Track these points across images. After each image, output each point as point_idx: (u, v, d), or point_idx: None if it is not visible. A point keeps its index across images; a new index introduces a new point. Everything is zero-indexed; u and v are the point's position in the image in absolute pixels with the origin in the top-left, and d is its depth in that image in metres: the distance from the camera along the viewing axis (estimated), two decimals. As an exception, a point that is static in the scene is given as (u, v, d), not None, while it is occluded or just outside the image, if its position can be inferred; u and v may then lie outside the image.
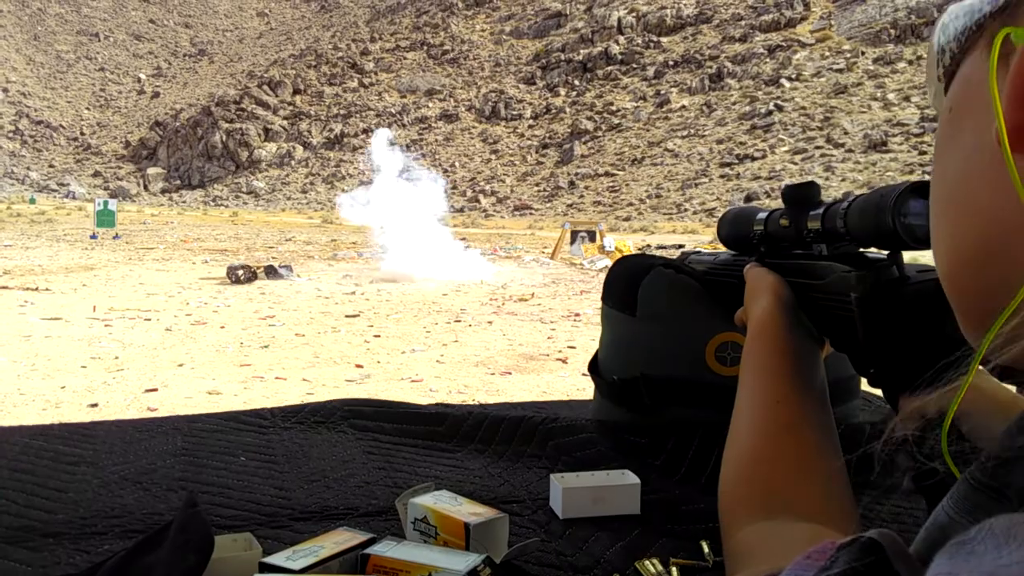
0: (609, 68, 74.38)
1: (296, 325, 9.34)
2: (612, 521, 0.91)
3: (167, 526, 0.70)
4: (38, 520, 0.90)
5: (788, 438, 0.74)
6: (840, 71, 58.67)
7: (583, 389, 6.22)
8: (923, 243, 0.70)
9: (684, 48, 72.13)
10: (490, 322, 9.85)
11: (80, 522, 0.89)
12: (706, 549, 0.82)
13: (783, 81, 60.17)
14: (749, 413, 0.77)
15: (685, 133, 59.19)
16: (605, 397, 1.21)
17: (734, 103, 60.95)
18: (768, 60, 64.42)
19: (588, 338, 8.79)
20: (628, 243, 21.29)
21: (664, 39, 74.41)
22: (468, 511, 0.80)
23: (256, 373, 6.79)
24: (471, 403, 1.42)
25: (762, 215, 0.97)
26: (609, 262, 18.33)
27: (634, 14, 78.91)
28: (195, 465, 1.08)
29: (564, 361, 7.55)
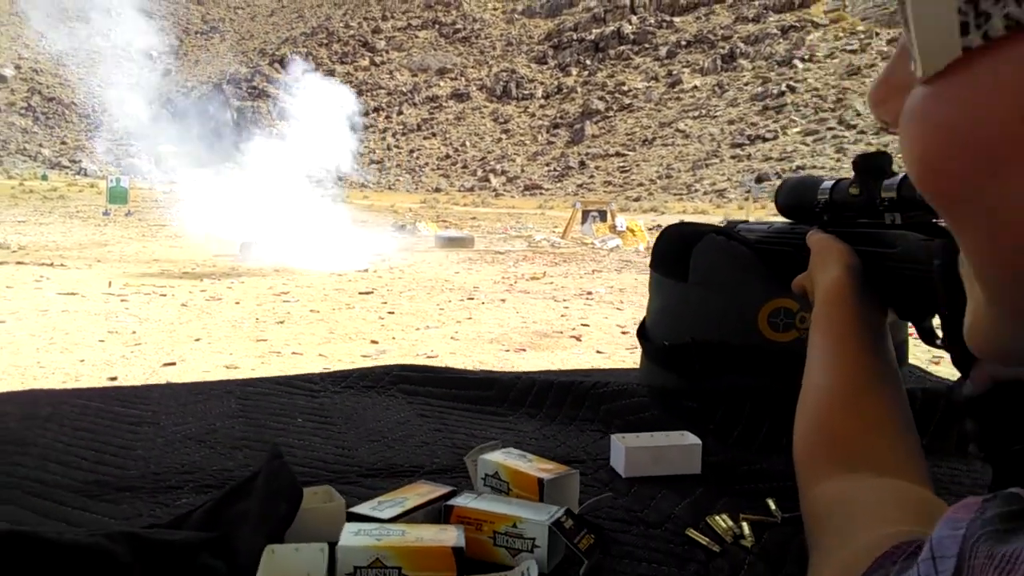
0: (621, 48, 73.96)
1: (310, 302, 9.37)
2: (674, 480, 0.92)
3: (253, 477, 0.72)
4: (111, 476, 0.91)
5: (865, 397, 0.75)
6: (854, 52, 58.21)
7: (598, 366, 6.24)
8: None
9: (697, 28, 71.63)
10: (503, 300, 9.87)
11: (153, 477, 0.91)
12: (773, 506, 0.83)
13: (796, 62, 59.75)
14: (824, 374, 0.78)
15: (696, 114, 58.91)
16: (653, 362, 1.22)
17: (746, 84, 60.59)
18: (781, 41, 63.96)
19: (601, 316, 8.80)
20: (639, 223, 21.23)
21: (677, 19, 73.93)
22: (539, 467, 0.81)
23: (273, 348, 6.84)
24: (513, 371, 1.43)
25: (827, 183, 0.98)
26: (620, 242, 18.30)
27: (648, -8, 78.46)
28: (255, 426, 1.10)
29: (578, 339, 7.56)
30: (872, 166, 0.90)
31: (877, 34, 59.45)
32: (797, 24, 64.99)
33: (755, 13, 69.32)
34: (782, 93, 56.01)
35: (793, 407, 1.10)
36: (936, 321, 0.88)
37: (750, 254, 1.14)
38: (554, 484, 0.79)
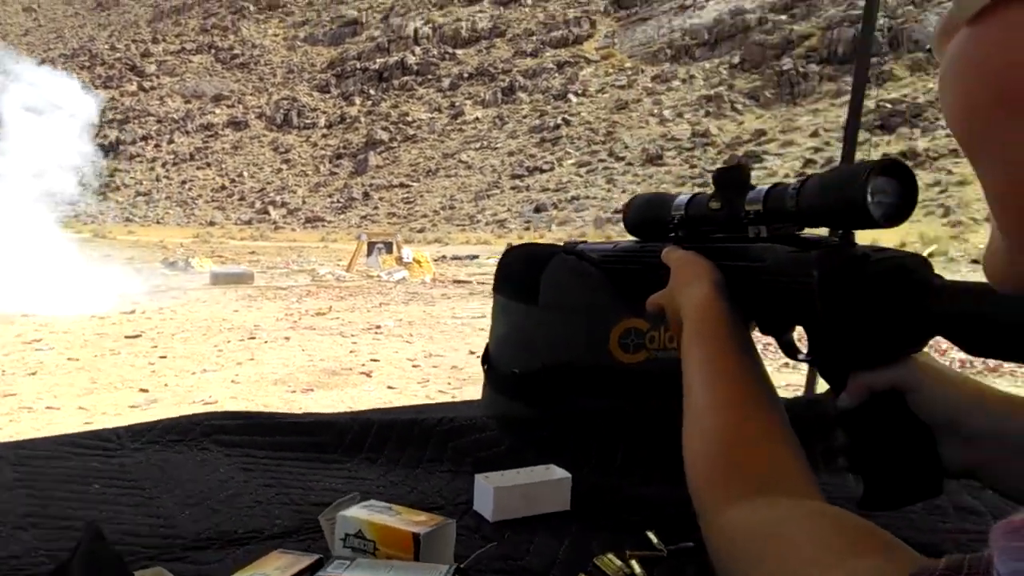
0: (405, 78, 74.46)
1: (68, 349, 8.47)
2: (545, 520, 0.85)
3: (63, 566, 0.56)
4: None
5: (759, 414, 0.72)
6: (622, 87, 62.18)
7: (390, 402, 6.10)
8: (890, 221, 0.70)
9: (479, 61, 73.55)
10: (287, 338, 9.45)
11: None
12: (654, 539, 0.78)
13: (570, 96, 62.88)
14: (710, 394, 0.74)
15: (478, 145, 60.35)
16: (499, 392, 1.15)
17: (525, 116, 62.92)
18: (557, 75, 67.08)
19: (391, 350, 8.65)
20: (426, 254, 21.29)
21: (459, 51, 75.54)
22: (410, 520, 0.71)
23: (23, 403, 6.09)
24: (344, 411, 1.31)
25: (682, 199, 0.96)
26: (407, 274, 18.22)
27: (430, 25, 79.47)
28: (40, 498, 0.91)
29: (368, 375, 7.36)
30: (732, 179, 0.89)
31: (642, 71, 63.90)
32: (571, 60, 68.49)
33: (533, 48, 72.38)
34: (558, 126, 58.69)
35: (645, 429, 1.07)
36: (798, 334, 0.87)
37: (599, 274, 1.10)
38: (431, 539, 0.69)
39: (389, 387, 6.85)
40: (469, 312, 11.65)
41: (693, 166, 45.35)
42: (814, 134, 41.91)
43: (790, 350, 0.85)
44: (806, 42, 53.76)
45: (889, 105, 38.82)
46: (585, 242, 1.19)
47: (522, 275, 1.14)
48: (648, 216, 1.02)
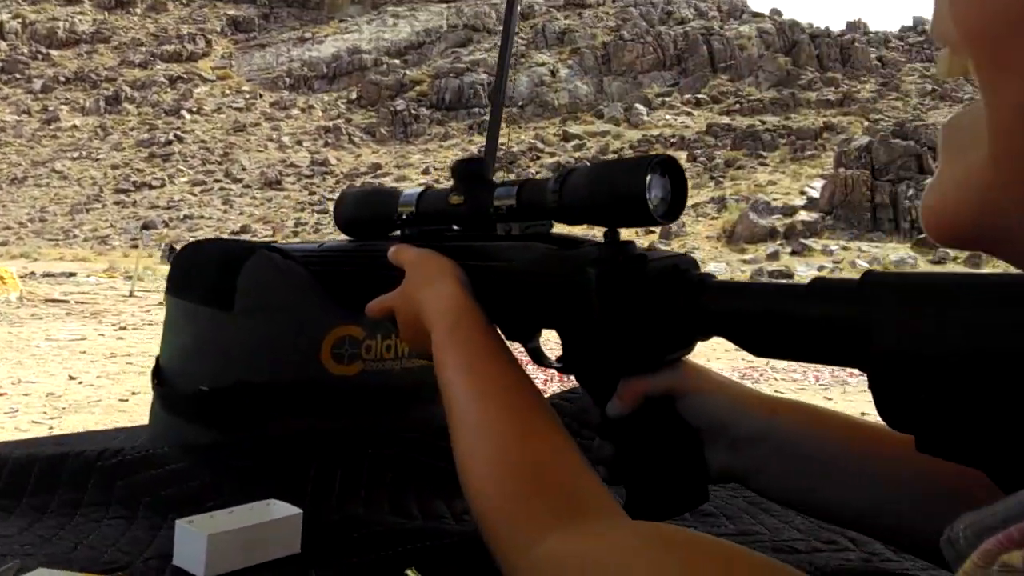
0: (-13, 76, 64.40)
1: None
2: (274, 568, 0.68)
3: None
4: None
5: (542, 427, 0.63)
6: (240, 110, 60.05)
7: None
8: (665, 217, 0.66)
9: (78, 65, 66.14)
10: None
11: None
12: (417, 578, 0.66)
13: (184, 113, 59.26)
14: (481, 410, 0.65)
15: (77, 155, 54.17)
16: (175, 414, 0.94)
17: (132, 128, 57.90)
18: (169, 90, 62.78)
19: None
20: (11, 270, 18.46)
21: (55, 52, 67.28)
22: (109, 590, 0.51)
23: None
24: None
25: (410, 193, 0.86)
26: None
27: (19, 20, 69.78)
28: None
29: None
30: (474, 172, 0.81)
31: (261, 96, 62.40)
32: (185, 76, 64.57)
33: (142, 59, 67.03)
34: (170, 142, 54.84)
35: (361, 448, 0.94)
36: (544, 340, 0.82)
37: (308, 276, 0.96)
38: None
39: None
40: (66, 334, 10.31)
41: (312, 192, 45.32)
42: (425, 171, 44.29)
43: (538, 357, 0.79)
44: (417, 87, 56.77)
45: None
46: (275, 243, 1.03)
47: (213, 275, 0.95)
48: (366, 213, 0.91)
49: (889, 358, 0.48)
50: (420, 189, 0.86)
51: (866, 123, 37.80)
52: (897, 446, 0.59)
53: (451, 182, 0.83)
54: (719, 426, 0.69)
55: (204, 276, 0.96)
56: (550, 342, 0.78)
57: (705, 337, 0.68)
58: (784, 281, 0.71)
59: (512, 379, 0.67)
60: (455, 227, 0.82)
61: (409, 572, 0.67)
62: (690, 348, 0.71)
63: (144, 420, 1.07)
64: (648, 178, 0.63)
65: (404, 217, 0.85)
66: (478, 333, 0.71)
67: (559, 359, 0.76)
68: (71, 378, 7.36)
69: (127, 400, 5.88)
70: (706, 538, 0.49)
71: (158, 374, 0.98)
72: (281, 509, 0.72)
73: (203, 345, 0.95)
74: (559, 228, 0.78)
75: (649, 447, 0.69)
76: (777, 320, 0.58)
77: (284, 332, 0.94)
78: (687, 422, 0.70)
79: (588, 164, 0.69)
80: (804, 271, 20.37)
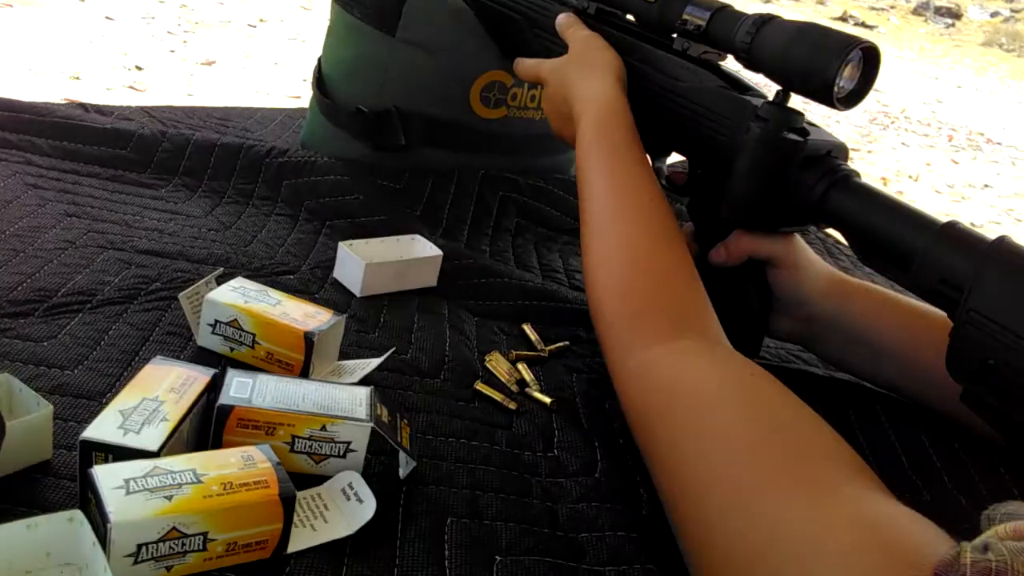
0: None
1: None
2: (413, 297, 0.80)
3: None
4: None
5: (671, 243, 0.69)
6: None
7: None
8: (844, 104, 0.66)
9: None
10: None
11: None
12: (533, 336, 0.77)
13: None
14: (619, 211, 0.70)
15: None
16: (340, 126, 1.03)
17: None
18: None
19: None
20: None
21: None
22: (296, 312, 0.63)
23: None
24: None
25: None
26: None
27: None
28: None
29: None
30: None
31: None
32: None
33: None
34: None
35: (496, 184, 1.02)
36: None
37: (472, 16, 0.98)
38: (324, 340, 0.62)
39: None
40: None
41: None
42: None
43: (658, 175, 0.82)
44: None
45: None
46: None
47: (385, -5, 0.98)
48: None
49: (974, 319, 0.54)
50: None
51: None
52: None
53: None
54: (800, 301, 0.76)
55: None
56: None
57: (823, 225, 0.72)
58: (919, 210, 0.71)
59: (650, 190, 0.72)
60: (631, 18, 0.82)
61: (526, 327, 0.79)
62: (805, 228, 0.76)
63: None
64: (844, 66, 0.63)
65: None
66: (626, 137, 0.75)
67: (682, 186, 0.81)
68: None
69: (255, 27, 5.96)
70: (790, 393, 0.57)
71: (320, 82, 1.05)
72: (425, 248, 0.82)
73: (363, 65, 1.00)
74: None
75: (727, 298, 0.72)
76: (890, 244, 0.63)
77: (440, 68, 0.98)
78: (768, 288, 0.76)
79: (785, 21, 0.67)
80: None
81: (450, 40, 0.98)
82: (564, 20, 0.86)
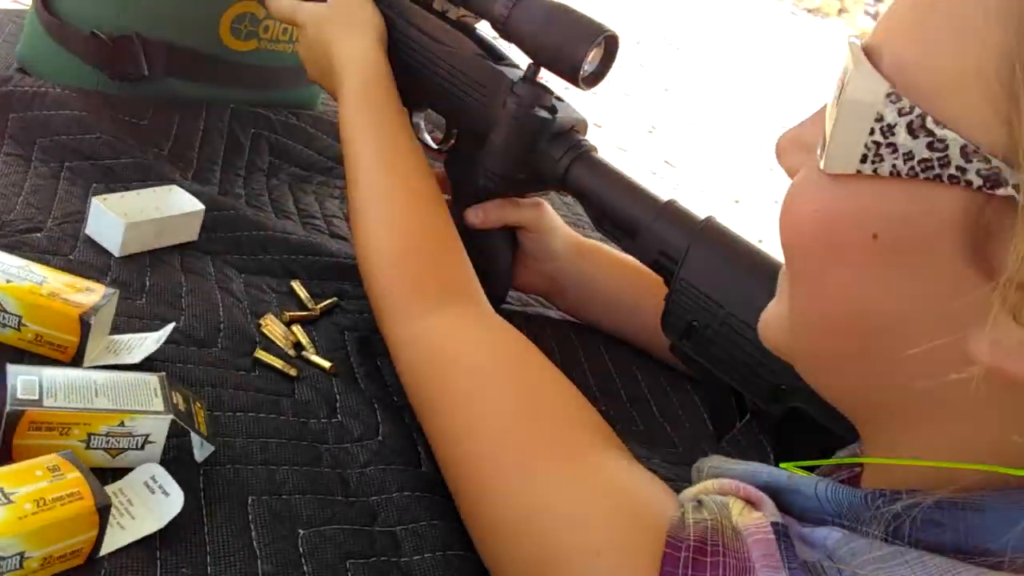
0: None
1: None
2: (175, 252, 0.78)
3: None
4: None
5: (440, 210, 0.75)
6: None
7: None
8: (587, 84, 0.74)
9: None
10: None
11: None
12: (302, 293, 0.80)
13: None
14: (391, 177, 0.74)
15: None
16: (74, 52, 0.93)
17: None
18: None
19: None
20: None
21: None
22: (65, 289, 0.61)
23: None
24: None
25: None
26: None
27: None
28: None
29: None
30: None
31: None
32: None
33: None
34: None
35: (246, 121, 1.00)
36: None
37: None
38: (99, 319, 0.61)
39: None
40: None
41: None
42: None
43: (417, 131, 0.86)
44: None
45: None
46: None
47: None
48: None
49: (684, 287, 0.67)
50: None
51: None
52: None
53: None
54: (546, 259, 0.86)
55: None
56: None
57: (564, 193, 0.82)
58: (646, 188, 0.82)
59: (416, 159, 0.77)
60: None
61: (295, 284, 0.81)
62: (547, 194, 0.86)
63: None
64: (592, 52, 0.71)
65: None
66: (389, 101, 0.78)
67: (439, 143, 0.86)
68: None
69: None
70: (548, 362, 0.66)
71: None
72: (185, 201, 0.80)
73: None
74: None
75: (478, 255, 0.76)
76: (620, 217, 0.74)
77: (186, -2, 0.93)
78: (516, 247, 0.86)
79: (542, 0, 0.73)
80: None
81: (197, -33, 0.92)
82: None
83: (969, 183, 0.34)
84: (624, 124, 4.64)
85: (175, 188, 0.81)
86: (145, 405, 0.54)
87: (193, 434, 0.56)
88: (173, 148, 0.93)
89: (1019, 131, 0.33)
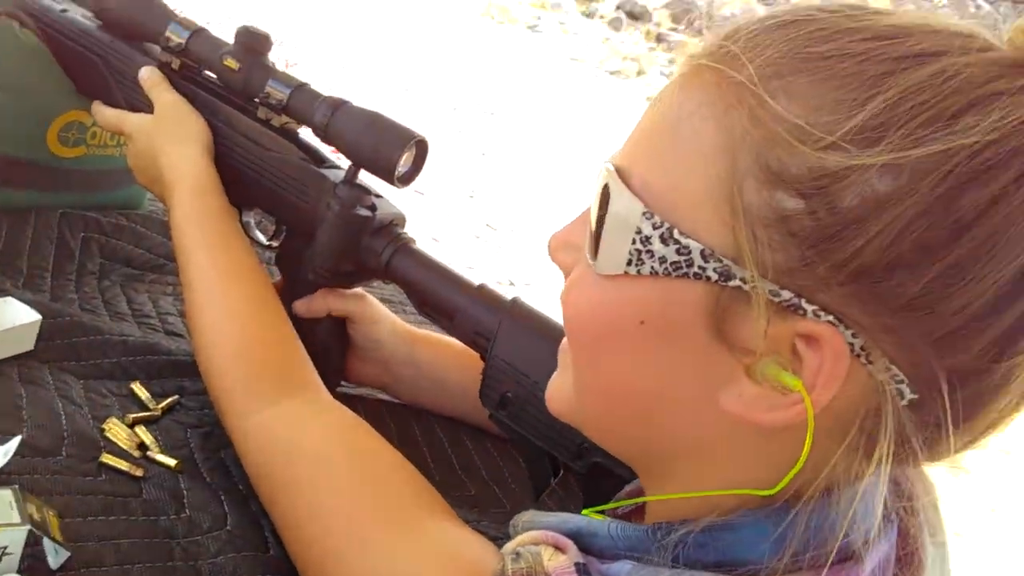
0: None
1: None
2: (11, 366, 0.80)
3: None
4: None
5: (277, 307, 0.81)
6: None
7: None
8: (402, 183, 0.83)
9: None
10: None
11: None
12: (144, 394, 0.83)
13: None
14: (229, 297, 0.79)
15: None
16: None
17: None
18: None
19: None
20: None
21: None
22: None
23: None
24: None
25: (181, 31, 0.89)
26: None
27: None
28: None
29: None
30: (256, 49, 0.87)
31: None
32: None
33: None
34: None
35: (75, 224, 1.03)
36: None
37: (48, 54, 0.97)
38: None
39: None
40: None
41: None
42: None
43: (248, 231, 0.91)
44: None
45: None
46: None
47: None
48: (133, 15, 0.92)
49: (497, 362, 0.77)
50: (198, 27, 0.89)
51: None
52: None
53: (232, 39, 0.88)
54: (375, 348, 0.93)
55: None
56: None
57: (387, 281, 0.90)
58: (460, 275, 0.92)
59: (248, 258, 0.83)
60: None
61: (134, 386, 0.84)
62: (371, 283, 0.94)
63: None
64: (405, 154, 0.80)
65: (171, 44, 0.89)
66: (219, 206, 0.84)
67: (271, 239, 0.93)
68: None
69: None
70: (383, 441, 0.73)
71: None
72: (20, 312, 0.82)
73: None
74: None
75: (309, 345, 0.83)
76: (438, 301, 0.83)
77: (16, 108, 0.95)
78: (347, 338, 0.93)
79: (355, 108, 0.82)
80: None
81: (26, 81, 0.95)
82: (148, 77, 0.90)
83: (709, 278, 0.45)
84: (445, 190, 4.80)
85: (10, 299, 0.83)
86: (3, 519, 0.57)
87: (47, 541, 0.59)
88: (1, 258, 0.94)
89: (741, 237, 0.44)
